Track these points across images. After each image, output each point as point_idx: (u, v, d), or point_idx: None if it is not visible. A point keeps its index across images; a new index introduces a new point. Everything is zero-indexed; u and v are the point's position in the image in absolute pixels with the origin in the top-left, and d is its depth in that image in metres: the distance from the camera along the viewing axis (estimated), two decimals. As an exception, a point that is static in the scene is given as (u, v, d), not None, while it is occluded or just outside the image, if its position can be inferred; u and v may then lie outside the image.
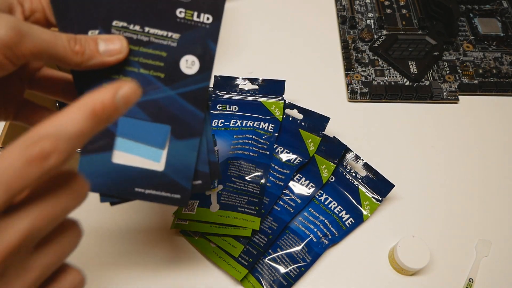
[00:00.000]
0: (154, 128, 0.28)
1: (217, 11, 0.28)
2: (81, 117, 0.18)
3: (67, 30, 0.27)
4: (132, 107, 0.28)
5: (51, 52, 0.24)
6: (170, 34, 0.28)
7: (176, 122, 0.28)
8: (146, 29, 0.27)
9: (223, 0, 0.28)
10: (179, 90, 0.28)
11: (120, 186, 0.28)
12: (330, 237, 0.46)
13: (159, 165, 0.29)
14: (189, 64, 0.28)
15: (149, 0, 0.27)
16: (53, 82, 0.31)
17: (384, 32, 0.65)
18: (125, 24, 0.27)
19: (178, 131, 0.28)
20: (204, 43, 0.28)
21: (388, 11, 0.67)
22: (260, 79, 0.54)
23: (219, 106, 0.54)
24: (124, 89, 0.20)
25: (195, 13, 0.28)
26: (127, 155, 0.28)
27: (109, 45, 0.26)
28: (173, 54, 0.28)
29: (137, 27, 0.27)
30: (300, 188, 0.49)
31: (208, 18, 0.28)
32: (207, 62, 0.28)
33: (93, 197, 0.50)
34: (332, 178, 0.50)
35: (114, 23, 0.27)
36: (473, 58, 0.62)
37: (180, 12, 0.28)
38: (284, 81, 0.53)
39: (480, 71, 0.60)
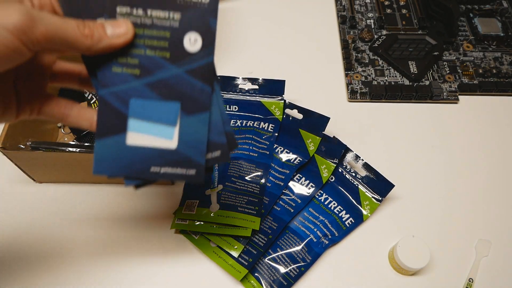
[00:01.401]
0: (164, 106, 0.29)
1: None
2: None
3: None
4: (142, 87, 0.29)
5: (62, 36, 0.25)
6: (171, 14, 0.29)
7: (185, 99, 0.29)
8: (149, 12, 0.29)
9: None
10: (185, 67, 0.29)
11: (136, 167, 0.29)
12: (330, 237, 0.46)
13: (172, 143, 0.30)
14: (192, 42, 0.29)
15: None
16: (69, 74, 0.34)
17: (384, 32, 0.65)
18: (128, 10, 0.29)
19: (187, 107, 0.29)
20: (205, 20, 0.29)
21: (388, 11, 0.67)
22: (260, 79, 0.54)
23: (219, 106, 0.54)
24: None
25: None
26: (141, 135, 0.29)
27: (116, 29, 0.28)
28: (176, 33, 0.29)
29: (140, 11, 0.29)
30: (300, 188, 0.49)
31: None
32: (209, 38, 0.29)
33: (96, 204, 0.50)
34: (332, 178, 0.50)
35: (118, 10, 0.29)
36: (473, 58, 0.62)
37: None
38: (284, 81, 0.53)
39: (480, 71, 0.60)
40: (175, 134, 0.30)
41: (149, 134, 0.29)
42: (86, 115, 0.31)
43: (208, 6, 0.29)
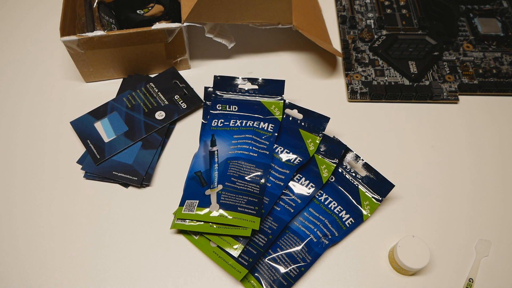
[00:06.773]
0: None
1: None
2: None
3: None
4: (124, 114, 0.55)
5: None
6: (161, 100, 0.56)
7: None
8: (159, 93, 0.57)
9: None
10: (149, 122, 0.54)
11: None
12: (330, 237, 0.46)
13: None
14: (159, 115, 0.54)
15: None
16: None
17: (384, 32, 0.65)
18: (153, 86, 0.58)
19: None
20: (172, 113, 0.55)
21: (388, 11, 0.67)
22: (260, 79, 0.54)
23: (218, 106, 0.54)
24: None
25: None
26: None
27: None
28: (155, 107, 0.56)
29: (154, 95, 0.57)
30: (300, 188, 0.49)
31: None
32: (169, 118, 0.55)
33: (96, 204, 0.50)
34: (332, 178, 0.50)
35: None
36: (473, 58, 0.62)
37: None
38: (284, 81, 0.53)
39: (480, 71, 0.60)
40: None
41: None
42: None
43: (182, 110, 0.55)
